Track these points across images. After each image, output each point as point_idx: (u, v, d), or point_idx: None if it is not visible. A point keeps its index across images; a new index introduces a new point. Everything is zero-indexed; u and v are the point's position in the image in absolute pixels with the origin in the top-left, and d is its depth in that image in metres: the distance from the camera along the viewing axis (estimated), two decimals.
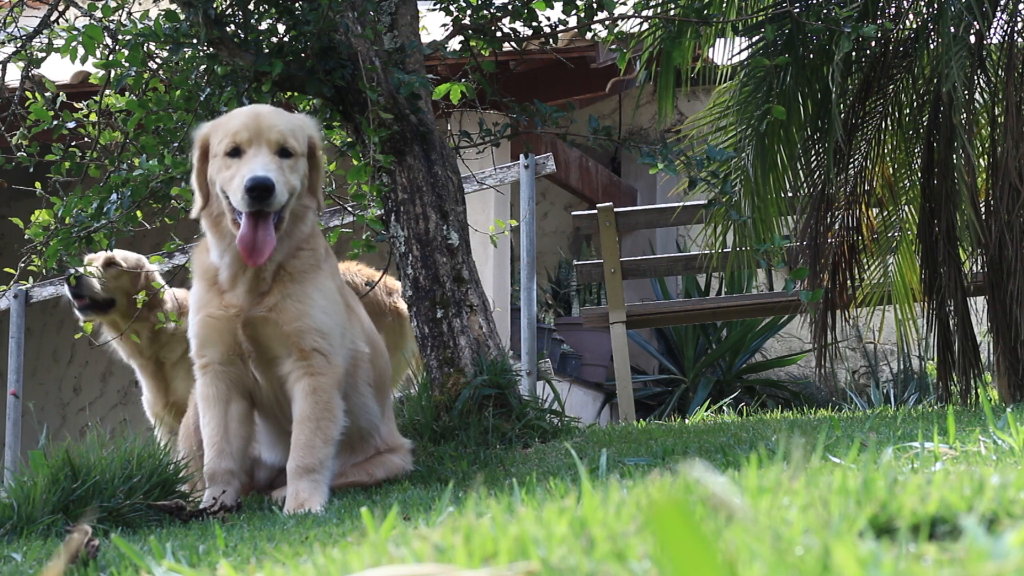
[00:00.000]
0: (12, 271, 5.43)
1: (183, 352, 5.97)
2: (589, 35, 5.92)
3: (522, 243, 7.29)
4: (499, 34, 5.56)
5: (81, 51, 4.90)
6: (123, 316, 6.12)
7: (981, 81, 6.12)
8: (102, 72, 5.11)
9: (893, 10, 6.35)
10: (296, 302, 4.17)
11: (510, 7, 5.48)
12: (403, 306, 6.22)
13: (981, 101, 6.16)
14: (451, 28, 5.58)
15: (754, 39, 6.19)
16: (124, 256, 6.14)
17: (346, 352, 4.28)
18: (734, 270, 6.84)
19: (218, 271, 4.22)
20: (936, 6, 6.13)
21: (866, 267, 6.58)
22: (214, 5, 4.86)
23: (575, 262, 9.42)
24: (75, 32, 4.93)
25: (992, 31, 6.15)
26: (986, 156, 6.08)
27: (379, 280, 6.02)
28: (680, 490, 1.79)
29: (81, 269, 5.77)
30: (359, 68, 4.91)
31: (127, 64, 4.95)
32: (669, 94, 6.63)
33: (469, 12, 5.50)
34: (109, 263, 6.07)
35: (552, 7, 5.52)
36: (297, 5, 4.98)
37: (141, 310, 6.04)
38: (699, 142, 6.48)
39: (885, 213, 6.53)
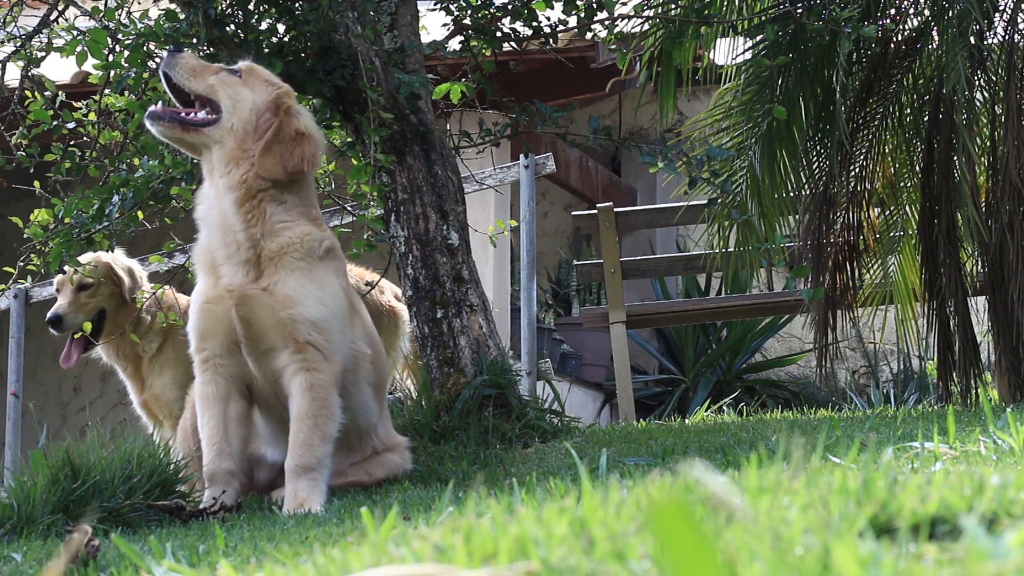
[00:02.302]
0: (12, 271, 5.43)
1: (160, 346, 6.04)
2: (589, 35, 5.92)
3: (522, 243, 7.29)
4: (499, 34, 5.56)
5: (88, 55, 4.90)
6: (116, 324, 6.12)
7: (981, 81, 6.12)
8: (102, 72, 5.11)
9: (894, 11, 6.35)
10: (288, 288, 4.14)
11: (510, 7, 5.48)
12: (397, 305, 6.23)
13: (981, 100, 6.15)
14: (451, 28, 5.58)
15: (755, 40, 6.19)
16: (95, 260, 6.08)
17: (346, 351, 4.25)
18: (735, 270, 6.84)
19: (210, 252, 4.23)
20: (937, 6, 6.13)
21: (868, 267, 6.58)
22: (214, 5, 4.86)
23: (575, 262, 9.42)
24: (76, 32, 4.93)
25: (993, 31, 6.14)
26: (987, 156, 6.08)
27: (378, 281, 6.02)
28: (680, 490, 1.79)
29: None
30: (359, 68, 4.91)
31: (127, 64, 4.95)
32: (671, 94, 6.63)
33: (469, 12, 5.50)
34: (81, 287, 6.05)
35: (552, 7, 5.52)
36: (297, 5, 4.98)
37: (125, 304, 6.06)
38: (700, 143, 6.48)
39: (887, 213, 6.52)
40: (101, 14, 4.99)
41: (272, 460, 4.51)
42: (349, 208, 5.94)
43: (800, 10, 5.72)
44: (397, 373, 6.32)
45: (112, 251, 5.63)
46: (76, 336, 6.08)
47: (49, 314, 6.02)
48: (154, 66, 5.07)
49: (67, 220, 5.13)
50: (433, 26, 6.07)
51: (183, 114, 4.20)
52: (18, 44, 5.25)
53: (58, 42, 5.12)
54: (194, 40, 4.82)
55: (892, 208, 6.51)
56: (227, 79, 4.24)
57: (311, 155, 4.25)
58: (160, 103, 4.25)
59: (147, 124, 4.25)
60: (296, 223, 4.23)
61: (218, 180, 4.21)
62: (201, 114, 4.21)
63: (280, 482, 4.39)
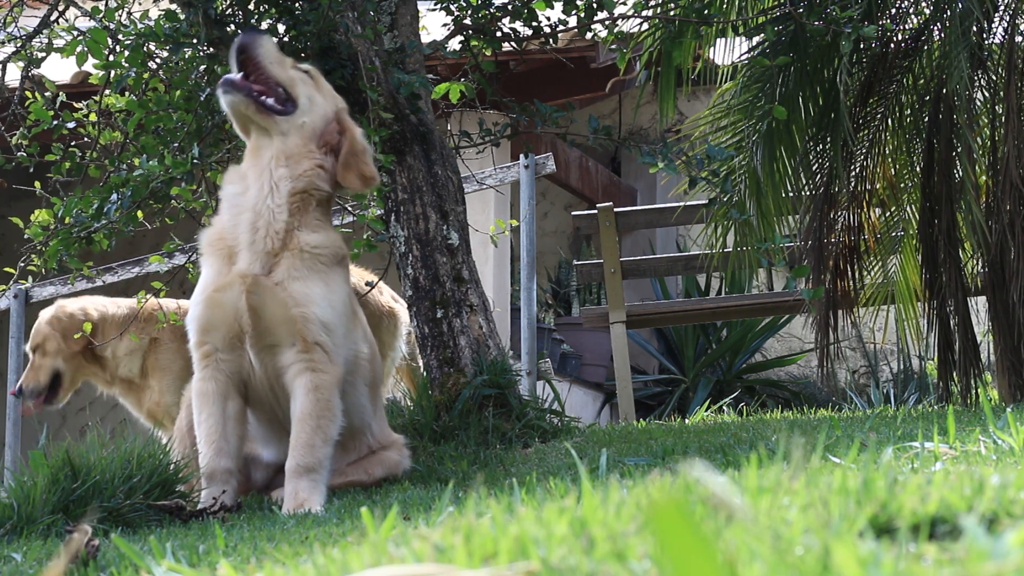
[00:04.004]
0: (12, 271, 5.43)
1: (145, 359, 6.11)
2: (589, 35, 5.92)
3: (522, 243, 7.28)
4: (499, 34, 5.56)
5: (88, 55, 4.90)
6: (76, 379, 6.29)
7: (982, 81, 6.12)
8: (102, 72, 5.11)
9: (894, 10, 6.35)
10: (303, 285, 4.16)
11: (510, 7, 5.48)
12: (396, 307, 6.22)
13: (982, 100, 6.15)
14: (451, 28, 5.58)
15: (755, 39, 6.19)
16: (39, 321, 6.21)
17: (348, 353, 4.28)
18: (734, 270, 6.84)
19: (232, 236, 4.23)
20: (938, 6, 6.13)
21: (868, 267, 6.58)
22: (214, 5, 4.86)
23: (575, 262, 9.42)
24: (76, 32, 4.93)
25: (993, 31, 6.14)
26: (987, 156, 6.08)
27: (378, 281, 6.01)
28: (680, 490, 1.79)
29: None
30: (359, 68, 4.91)
31: (127, 64, 4.95)
32: (670, 94, 6.63)
33: (469, 12, 5.50)
34: (33, 349, 6.21)
35: (552, 7, 5.52)
36: (297, 5, 4.98)
37: (81, 354, 6.19)
38: (700, 142, 6.48)
39: (888, 213, 6.53)
40: (101, 14, 4.99)
41: (267, 460, 4.51)
42: (349, 208, 5.94)
43: (800, 10, 5.72)
44: (393, 376, 6.33)
45: (108, 249, 5.63)
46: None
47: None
48: (154, 66, 5.07)
49: (67, 220, 5.13)
50: (433, 26, 6.07)
51: (256, 95, 4.23)
52: (18, 44, 5.25)
53: (58, 42, 5.12)
54: (194, 40, 4.82)
55: (893, 209, 6.51)
56: (304, 78, 4.33)
57: (374, 172, 4.38)
58: (240, 74, 4.26)
59: (220, 91, 4.25)
60: (326, 227, 4.30)
61: (272, 167, 4.23)
62: (270, 100, 4.26)
63: (277, 482, 4.40)
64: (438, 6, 5.50)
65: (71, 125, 5.22)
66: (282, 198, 4.21)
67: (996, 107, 6.04)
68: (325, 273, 4.22)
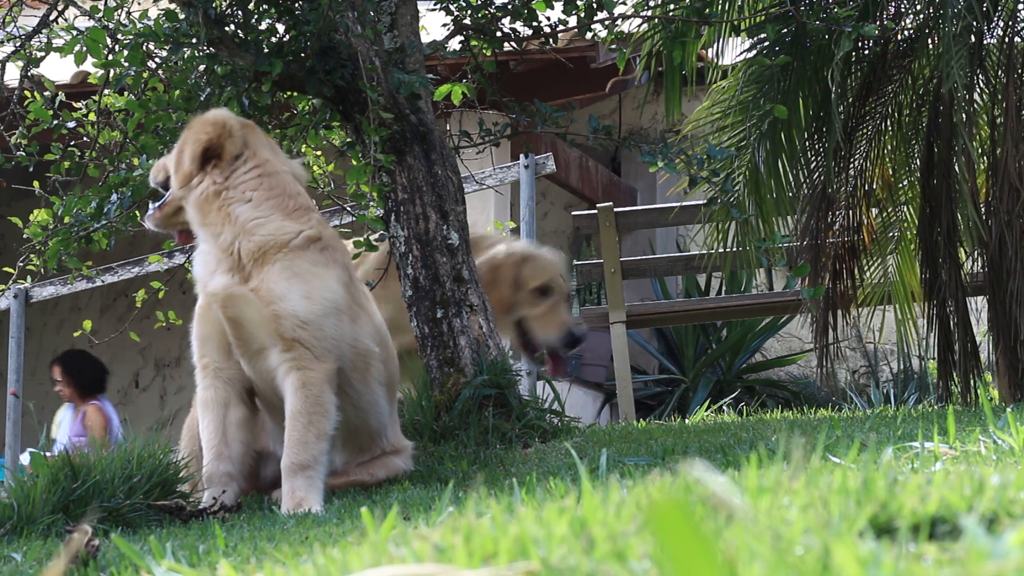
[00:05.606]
0: (12, 271, 5.43)
1: None
2: (589, 35, 5.91)
3: None
4: (499, 34, 5.56)
5: (87, 55, 4.90)
6: None
7: (980, 81, 6.12)
8: (101, 72, 5.11)
9: (892, 10, 6.35)
10: (270, 283, 4.14)
11: (510, 7, 5.48)
12: None
13: (980, 102, 6.16)
14: (451, 28, 5.58)
15: (756, 39, 6.19)
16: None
17: (344, 348, 4.23)
18: (734, 270, 6.84)
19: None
20: (936, 6, 6.14)
21: (866, 267, 6.58)
22: (214, 5, 4.86)
23: (575, 262, 9.42)
24: (75, 32, 4.94)
25: (991, 31, 6.15)
26: (986, 157, 6.08)
27: (379, 280, 6.00)
28: (680, 490, 1.79)
29: None
30: (359, 68, 4.91)
31: (127, 64, 4.95)
32: (676, 95, 6.63)
33: (469, 12, 5.50)
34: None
35: (552, 7, 5.52)
36: (297, 5, 4.98)
37: None
38: (699, 141, 6.48)
39: (885, 214, 6.53)
40: (100, 14, 4.99)
41: (280, 456, 4.50)
42: (349, 208, 5.94)
43: (801, 9, 5.72)
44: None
45: (110, 248, 5.61)
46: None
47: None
48: (154, 66, 5.07)
49: (67, 220, 5.13)
50: (433, 26, 6.07)
51: (157, 201, 4.50)
52: (18, 44, 5.25)
53: (58, 42, 5.12)
54: (194, 40, 4.82)
55: (891, 209, 6.51)
56: (173, 151, 4.46)
57: (204, 134, 4.32)
58: (150, 203, 4.61)
59: (147, 226, 4.58)
60: (270, 219, 4.24)
61: (190, 219, 4.38)
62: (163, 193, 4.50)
63: None
64: (438, 6, 5.50)
65: (71, 125, 5.22)
66: (201, 232, 4.31)
67: (994, 108, 6.04)
68: (289, 265, 4.17)
